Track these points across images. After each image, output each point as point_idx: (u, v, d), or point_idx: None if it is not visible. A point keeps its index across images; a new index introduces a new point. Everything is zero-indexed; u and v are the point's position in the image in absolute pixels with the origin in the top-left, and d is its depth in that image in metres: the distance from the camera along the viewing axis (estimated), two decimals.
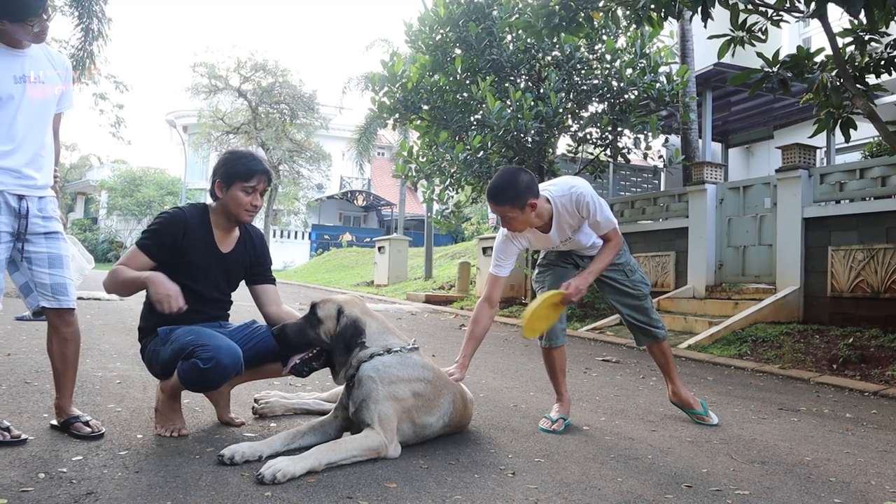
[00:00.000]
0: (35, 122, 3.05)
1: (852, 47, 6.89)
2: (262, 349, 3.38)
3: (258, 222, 36.73)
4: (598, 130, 12.14)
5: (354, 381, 3.19)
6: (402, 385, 3.17)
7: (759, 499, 2.75)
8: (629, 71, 11.32)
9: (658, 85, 11.36)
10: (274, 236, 37.14)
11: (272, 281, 3.66)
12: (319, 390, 4.36)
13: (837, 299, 8.38)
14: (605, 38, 11.58)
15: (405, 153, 13.01)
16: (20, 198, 3.01)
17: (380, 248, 20.54)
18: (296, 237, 40.15)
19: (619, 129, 11.95)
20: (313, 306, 3.25)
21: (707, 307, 9.41)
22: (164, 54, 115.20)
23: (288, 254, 38.03)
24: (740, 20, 6.75)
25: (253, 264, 3.58)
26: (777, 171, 9.38)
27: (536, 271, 4.29)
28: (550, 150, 12.22)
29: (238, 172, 3.33)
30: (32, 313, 3.36)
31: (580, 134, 12.34)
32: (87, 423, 3.14)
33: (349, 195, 41.98)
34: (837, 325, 7.96)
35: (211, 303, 3.43)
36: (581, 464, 3.13)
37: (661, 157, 12.16)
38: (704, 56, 12.40)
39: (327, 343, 3.20)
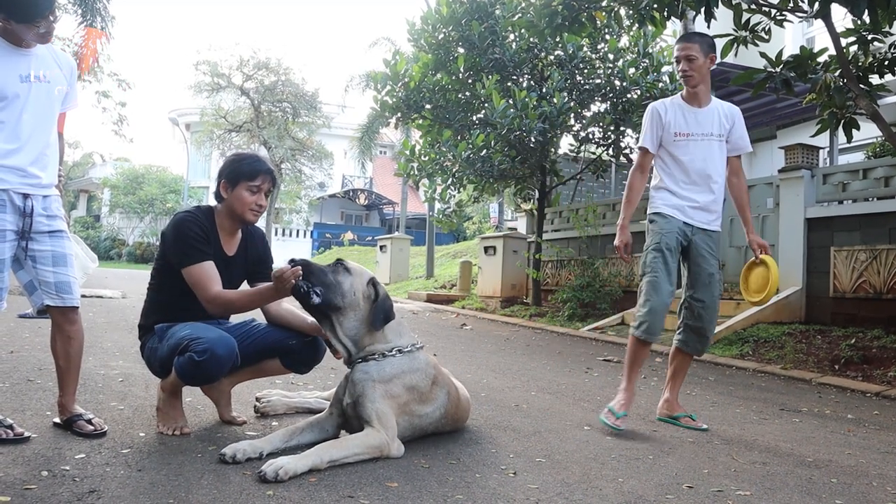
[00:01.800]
0: (40, 120, 3.06)
1: (855, 47, 6.89)
2: (262, 346, 3.40)
3: (260, 221, 36.76)
4: (601, 130, 12.16)
5: (350, 374, 3.19)
6: (397, 381, 3.16)
7: (760, 499, 2.76)
8: (632, 70, 11.33)
9: (661, 84, 11.36)
10: (276, 235, 37.12)
11: (268, 279, 3.64)
12: (321, 389, 4.37)
13: (840, 300, 8.38)
14: (607, 37, 11.58)
15: (407, 152, 13.03)
16: (25, 196, 3.01)
17: (381, 247, 20.54)
18: (298, 236, 40.11)
19: (622, 128, 11.96)
20: (339, 260, 3.27)
21: None
22: (167, 52, 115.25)
23: (290, 252, 37.94)
24: (744, 20, 6.75)
25: (254, 263, 3.59)
26: (780, 171, 9.37)
27: (651, 256, 4.17)
28: (553, 149, 12.22)
29: (243, 172, 3.34)
30: (37, 311, 3.37)
31: (583, 133, 12.36)
32: (89, 422, 3.14)
33: (351, 194, 41.96)
34: (839, 325, 7.96)
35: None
36: (582, 464, 3.14)
37: None
38: None
39: (338, 296, 3.14)
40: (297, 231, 40.41)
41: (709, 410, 4.70)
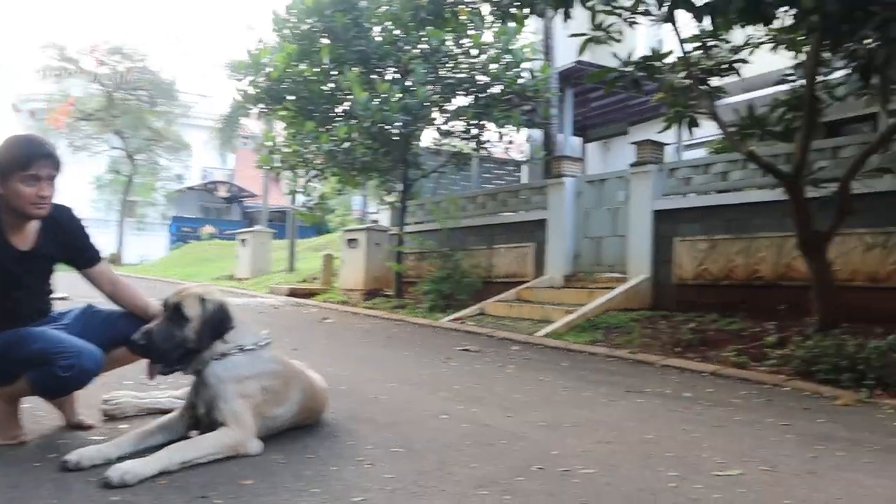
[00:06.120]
0: None
1: (699, 51, 7.34)
2: (107, 336, 3.17)
3: (113, 214, 35.02)
4: (463, 123, 12.34)
5: (202, 378, 3.09)
6: (251, 382, 3.10)
7: (603, 476, 2.90)
8: (494, 66, 11.57)
9: (521, 80, 11.68)
10: (130, 229, 35.47)
11: (98, 260, 3.34)
12: (174, 388, 4.21)
13: (682, 287, 8.91)
14: (471, 32, 11.76)
15: (269, 143, 12.81)
16: None
17: (242, 241, 20.03)
18: (154, 230, 38.50)
19: (483, 122, 12.19)
20: (176, 305, 3.05)
21: (564, 296, 9.76)
22: (9, 32, 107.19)
23: (146, 247, 36.38)
24: (598, 21, 7.04)
25: (69, 250, 3.24)
26: (631, 165, 9.85)
27: None
28: (415, 142, 12.32)
29: (14, 161, 2.91)
30: None
31: (445, 127, 12.51)
32: None
33: (211, 186, 40.64)
34: (682, 311, 8.46)
35: (24, 304, 3.14)
36: (438, 452, 3.19)
37: (523, 151, 12.50)
38: (566, 53, 12.77)
39: (196, 341, 3.04)
40: (154, 225, 38.77)
41: (561, 395, 4.89)
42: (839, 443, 3.67)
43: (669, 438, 3.63)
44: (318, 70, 11.88)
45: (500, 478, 2.81)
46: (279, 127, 14.91)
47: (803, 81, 6.70)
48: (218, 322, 3.08)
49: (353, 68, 11.10)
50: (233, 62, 12.33)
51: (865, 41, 5.87)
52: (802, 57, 7.01)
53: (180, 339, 3.02)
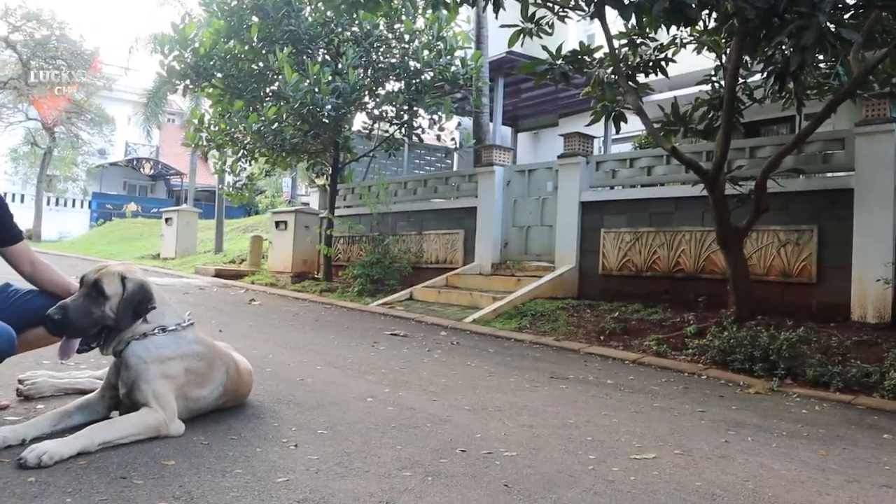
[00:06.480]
0: None
1: (627, 48, 7.50)
2: (23, 316, 3.07)
3: (30, 188, 33.65)
4: (395, 109, 12.31)
5: (123, 359, 3.03)
6: (174, 363, 3.06)
7: (524, 459, 2.98)
8: (426, 52, 11.57)
9: (453, 68, 11.74)
10: (48, 204, 34.14)
11: (20, 238, 3.25)
12: (94, 368, 4.12)
13: (608, 277, 9.14)
14: (403, 17, 11.73)
15: (196, 121, 12.53)
16: None
17: (167, 220, 19.56)
18: (74, 206, 37.16)
19: (415, 108, 12.20)
20: (95, 281, 2.98)
21: (492, 283, 9.89)
22: None
23: (65, 224, 35.07)
24: (530, 13, 7.12)
25: None
26: (559, 157, 10.01)
27: None
28: (346, 125, 12.24)
29: None
30: None
31: (376, 111, 12.46)
32: None
33: (135, 163, 39.35)
34: (607, 300, 8.68)
35: None
36: (363, 434, 3.22)
37: (453, 138, 12.56)
38: (498, 44, 12.87)
39: (114, 319, 2.98)
40: (74, 201, 37.41)
41: (486, 380, 4.96)
42: (750, 429, 3.86)
43: (590, 423, 3.75)
44: (248, 48, 11.67)
45: (424, 459, 2.86)
46: (207, 104, 14.60)
47: (725, 82, 6.93)
48: (138, 301, 3.02)
49: (283, 48, 10.94)
50: (157, 36, 11.98)
51: (782, 47, 6.11)
52: (724, 59, 7.25)
53: (98, 316, 2.95)
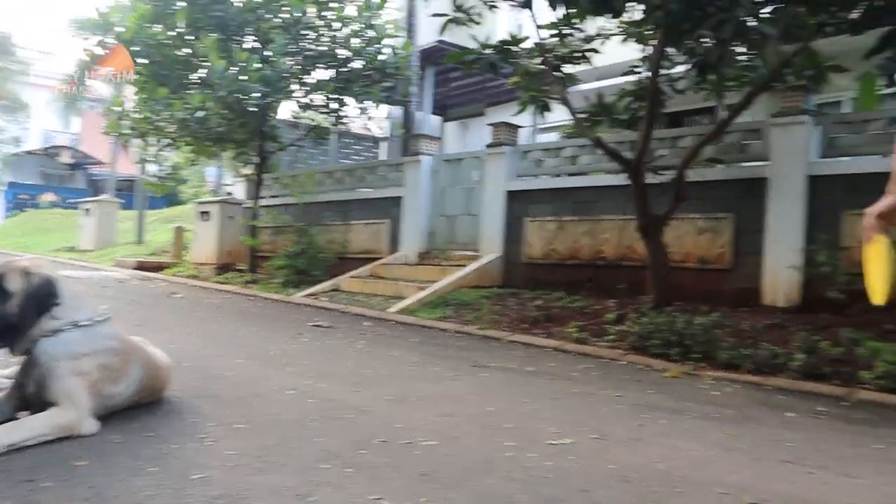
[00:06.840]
0: None
1: (554, 39, 7.58)
2: None
3: None
4: (323, 97, 12.18)
5: (32, 357, 2.93)
6: (87, 359, 2.97)
7: (444, 447, 3.00)
8: (356, 40, 11.46)
9: (383, 56, 11.65)
10: None
11: None
12: (3, 367, 3.96)
13: (532, 265, 9.25)
14: (333, 5, 11.58)
15: (118, 109, 12.16)
16: None
17: (86, 211, 18.94)
18: None
19: (343, 97, 12.09)
20: None
21: (418, 273, 9.89)
22: None
23: None
24: (460, 2, 7.13)
25: None
26: (486, 146, 10.07)
27: None
28: (273, 114, 12.05)
29: None
30: None
31: (304, 100, 12.31)
32: None
33: (53, 151, 37.92)
34: (531, 288, 8.78)
35: None
36: (282, 427, 3.19)
37: (382, 127, 12.50)
38: (428, 33, 12.85)
39: (16, 315, 2.87)
40: None
41: (409, 370, 4.97)
42: (664, 412, 3.96)
43: (510, 410, 3.79)
44: (174, 34, 11.37)
45: (344, 451, 2.85)
46: (129, 91, 14.19)
47: (649, 74, 7.08)
48: (43, 297, 2.93)
49: (210, 34, 10.69)
50: (79, 19, 11.59)
51: (703, 40, 6.27)
52: (649, 50, 7.41)
53: (0, 313, 2.86)
